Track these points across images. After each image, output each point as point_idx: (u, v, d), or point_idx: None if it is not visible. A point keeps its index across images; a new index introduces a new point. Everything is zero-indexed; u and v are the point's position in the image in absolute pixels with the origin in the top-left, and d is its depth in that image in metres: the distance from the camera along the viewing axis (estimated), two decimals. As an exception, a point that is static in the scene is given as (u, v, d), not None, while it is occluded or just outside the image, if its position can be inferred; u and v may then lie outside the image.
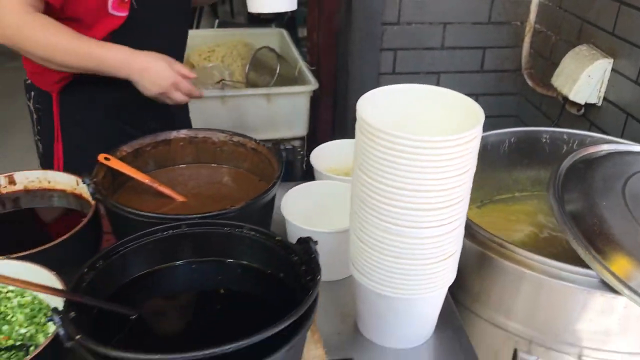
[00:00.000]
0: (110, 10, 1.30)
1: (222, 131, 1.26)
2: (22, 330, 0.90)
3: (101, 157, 1.13)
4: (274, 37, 2.71)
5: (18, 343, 0.88)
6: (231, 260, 0.97)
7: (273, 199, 1.13)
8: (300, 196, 1.17)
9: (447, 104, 0.89)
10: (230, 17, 5.38)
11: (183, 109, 1.66)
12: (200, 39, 2.60)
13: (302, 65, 2.34)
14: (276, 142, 1.23)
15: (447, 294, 1.06)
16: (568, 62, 1.86)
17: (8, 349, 0.87)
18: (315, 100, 2.30)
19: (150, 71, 1.30)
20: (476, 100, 0.88)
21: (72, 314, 0.79)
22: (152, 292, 0.94)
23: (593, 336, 1.08)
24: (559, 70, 1.90)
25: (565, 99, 1.86)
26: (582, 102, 1.83)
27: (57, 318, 0.75)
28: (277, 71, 2.21)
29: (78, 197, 1.17)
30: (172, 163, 1.25)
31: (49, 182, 1.19)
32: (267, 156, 1.20)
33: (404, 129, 0.80)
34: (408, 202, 0.83)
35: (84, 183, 1.06)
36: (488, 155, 1.45)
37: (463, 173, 0.83)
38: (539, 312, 1.11)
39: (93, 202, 1.07)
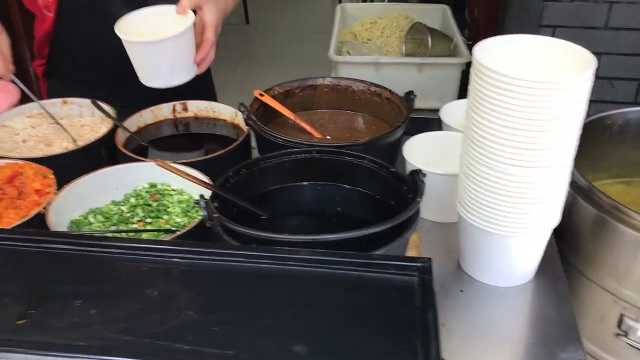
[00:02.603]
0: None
1: (362, 81, 1.39)
2: (178, 220, 1.11)
3: (257, 93, 1.32)
4: (436, 13, 2.77)
5: (173, 228, 1.09)
6: (349, 186, 1.10)
7: (398, 142, 1.24)
8: (424, 143, 1.26)
9: (561, 54, 0.93)
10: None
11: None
12: (365, 11, 2.74)
13: (459, 39, 2.38)
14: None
15: (552, 245, 1.11)
16: None
17: (165, 231, 1.08)
18: (468, 74, 2.34)
19: None
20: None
21: (215, 203, 0.98)
22: (281, 203, 1.10)
23: None
24: None
25: None
26: None
27: (202, 202, 0.94)
28: (430, 44, 2.28)
29: (235, 127, 1.38)
30: (315, 106, 1.41)
31: (214, 111, 1.41)
32: (399, 105, 1.30)
33: (516, 72, 0.86)
34: (515, 141, 0.90)
35: (240, 111, 1.25)
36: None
37: (571, 117, 0.88)
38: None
39: (246, 128, 1.26)
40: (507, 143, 0.91)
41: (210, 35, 1.34)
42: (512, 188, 0.94)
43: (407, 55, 2.45)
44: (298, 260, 0.77)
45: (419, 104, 2.28)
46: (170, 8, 1.32)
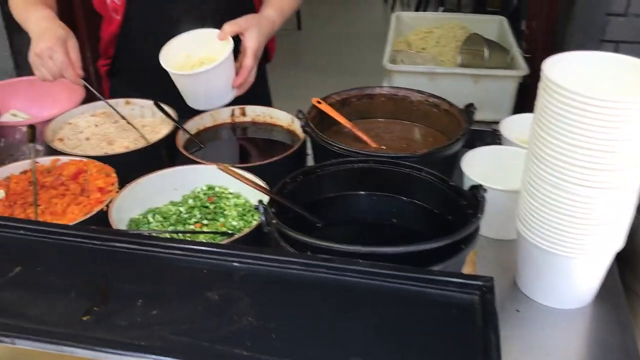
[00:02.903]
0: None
1: (420, 92, 1.38)
2: (234, 223, 1.13)
3: (314, 100, 1.33)
4: (493, 24, 2.73)
5: (230, 231, 1.10)
6: (406, 198, 1.09)
7: (456, 154, 1.22)
8: (483, 156, 1.24)
9: (634, 72, 0.90)
10: (456, 7, 5.43)
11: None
12: (421, 20, 2.72)
13: (516, 52, 2.35)
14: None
15: (614, 268, 1.07)
16: None
17: (222, 233, 1.10)
18: (525, 87, 2.30)
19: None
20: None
21: (273, 209, 0.98)
22: (336, 212, 1.10)
23: None
24: None
25: None
26: None
27: (261, 207, 0.94)
28: (486, 55, 2.25)
29: (291, 133, 1.39)
30: (372, 115, 1.41)
31: (272, 117, 1.43)
32: (457, 117, 1.29)
33: (586, 89, 0.84)
34: (583, 161, 0.87)
35: (298, 118, 1.26)
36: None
37: (640, 139, 0.85)
38: None
39: (302, 135, 1.27)
40: (574, 162, 0.88)
41: (249, 62, 1.40)
42: (576, 208, 0.91)
43: (462, 66, 2.42)
44: (356, 272, 0.77)
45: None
46: (214, 32, 1.41)
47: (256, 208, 0.95)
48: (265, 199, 0.99)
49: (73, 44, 1.36)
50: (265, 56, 1.69)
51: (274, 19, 1.49)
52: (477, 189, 0.99)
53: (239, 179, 1.00)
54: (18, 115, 1.51)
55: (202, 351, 0.67)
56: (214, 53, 1.40)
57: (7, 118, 1.49)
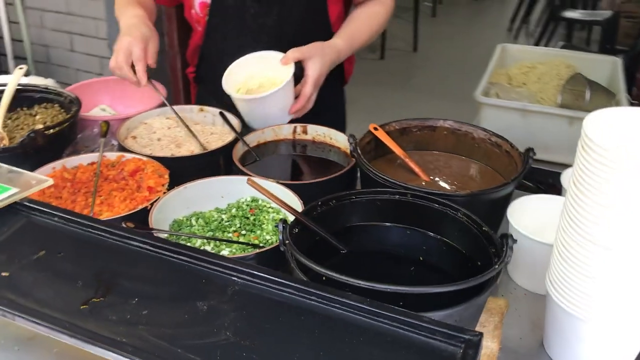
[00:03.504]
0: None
1: (484, 129, 1.33)
2: (267, 237, 1.15)
3: (371, 126, 1.33)
4: (605, 65, 2.57)
5: (261, 245, 1.13)
6: (438, 236, 1.06)
7: (507, 197, 1.17)
8: (535, 204, 1.18)
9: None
10: (585, 44, 5.15)
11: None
12: (527, 54, 2.62)
13: (623, 97, 2.19)
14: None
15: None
16: None
17: (253, 245, 1.12)
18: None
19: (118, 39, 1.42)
20: None
21: (296, 229, 1.00)
22: (365, 240, 1.09)
23: None
24: None
25: None
26: None
27: (281, 225, 0.96)
28: (586, 98, 2.12)
29: (348, 156, 1.39)
30: (431, 147, 1.38)
31: (331, 138, 1.44)
32: (516, 160, 1.23)
33: (625, 150, 0.78)
34: (616, 223, 0.81)
35: (348, 142, 1.27)
36: None
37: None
38: None
39: (352, 159, 1.27)
40: (606, 224, 0.82)
41: (308, 90, 1.41)
42: (606, 272, 0.85)
43: (562, 106, 2.30)
44: (345, 305, 0.76)
45: (561, 158, 2.14)
46: (277, 56, 1.44)
47: (276, 226, 0.97)
48: (298, 218, 1.01)
49: (154, 43, 1.43)
50: (342, 78, 1.71)
51: (340, 48, 1.49)
52: (506, 238, 0.94)
53: (264, 195, 1.03)
54: (106, 110, 1.65)
55: (173, 357, 0.69)
56: (275, 77, 1.44)
57: (96, 112, 1.62)
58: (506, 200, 1.18)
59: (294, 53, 1.41)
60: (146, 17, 1.50)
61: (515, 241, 0.94)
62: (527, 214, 1.16)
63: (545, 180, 1.99)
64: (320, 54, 1.43)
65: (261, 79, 1.48)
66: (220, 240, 1.14)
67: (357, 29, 1.56)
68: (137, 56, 1.38)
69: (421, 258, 1.05)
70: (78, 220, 0.91)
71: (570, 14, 4.61)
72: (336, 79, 1.63)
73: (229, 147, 1.36)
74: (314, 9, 1.56)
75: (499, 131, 1.37)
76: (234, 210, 1.22)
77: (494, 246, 0.97)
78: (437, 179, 1.30)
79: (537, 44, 4.73)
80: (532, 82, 2.46)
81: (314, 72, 1.41)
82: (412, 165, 1.30)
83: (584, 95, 2.19)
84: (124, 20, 1.49)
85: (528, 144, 1.28)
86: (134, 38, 1.39)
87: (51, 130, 1.33)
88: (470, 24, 6.41)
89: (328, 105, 1.57)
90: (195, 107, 1.55)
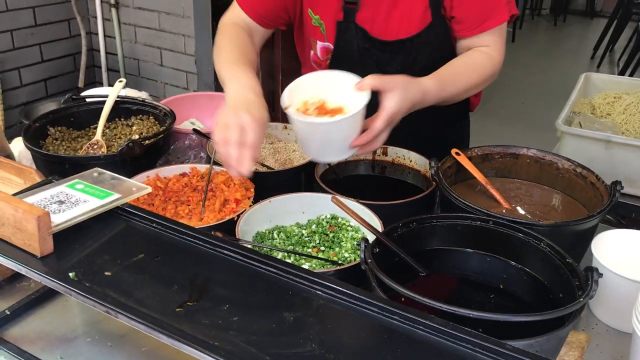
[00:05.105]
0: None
1: (569, 160, 1.32)
2: (346, 255, 1.18)
3: (453, 151, 1.34)
4: (698, 97, 2.47)
5: (340, 262, 1.16)
6: (519, 265, 1.06)
7: (591, 230, 1.15)
8: (621, 238, 1.15)
9: None
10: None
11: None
12: (611, 84, 2.55)
13: None
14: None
15: None
16: None
17: (331, 262, 1.15)
18: None
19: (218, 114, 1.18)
20: None
21: (377, 249, 1.02)
22: (444, 264, 1.10)
23: None
24: None
25: None
26: None
27: (363, 244, 0.99)
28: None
29: (427, 179, 1.41)
30: (513, 175, 1.37)
31: (410, 160, 1.46)
32: (602, 193, 1.21)
33: None
34: None
35: (430, 166, 1.28)
36: None
37: None
38: None
39: (432, 182, 1.29)
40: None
41: (379, 125, 1.17)
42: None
43: (644, 139, 2.22)
44: (428, 327, 0.78)
45: (644, 193, 2.06)
46: (352, 79, 1.21)
47: (358, 244, 1.00)
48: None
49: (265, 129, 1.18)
50: (467, 105, 1.70)
51: (428, 89, 1.27)
52: (591, 271, 0.93)
53: (348, 213, 1.06)
54: (195, 123, 1.73)
55: (261, 364, 0.73)
56: (343, 102, 1.21)
57: (186, 125, 1.71)
58: (589, 233, 1.16)
59: (374, 80, 1.18)
60: (261, 91, 1.25)
61: (600, 275, 0.93)
62: (611, 249, 1.14)
63: (628, 214, 1.93)
64: (404, 89, 1.20)
65: (326, 103, 1.23)
66: (301, 254, 1.18)
67: (453, 75, 1.37)
68: (252, 142, 1.12)
69: (501, 286, 1.05)
70: (174, 227, 0.97)
71: (659, 43, 4.45)
72: (464, 106, 1.64)
73: (310, 165, 1.40)
74: (441, 56, 1.42)
75: (580, 162, 1.34)
76: (314, 227, 1.26)
77: (577, 279, 0.96)
78: (518, 207, 1.30)
79: (621, 73, 4.58)
80: (618, 113, 2.40)
81: (392, 106, 1.18)
82: (493, 192, 1.30)
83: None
84: (236, 86, 1.23)
85: (610, 176, 1.26)
86: (254, 120, 1.13)
87: (147, 141, 1.41)
88: (550, 50, 6.29)
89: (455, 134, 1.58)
90: (280, 125, 1.60)
